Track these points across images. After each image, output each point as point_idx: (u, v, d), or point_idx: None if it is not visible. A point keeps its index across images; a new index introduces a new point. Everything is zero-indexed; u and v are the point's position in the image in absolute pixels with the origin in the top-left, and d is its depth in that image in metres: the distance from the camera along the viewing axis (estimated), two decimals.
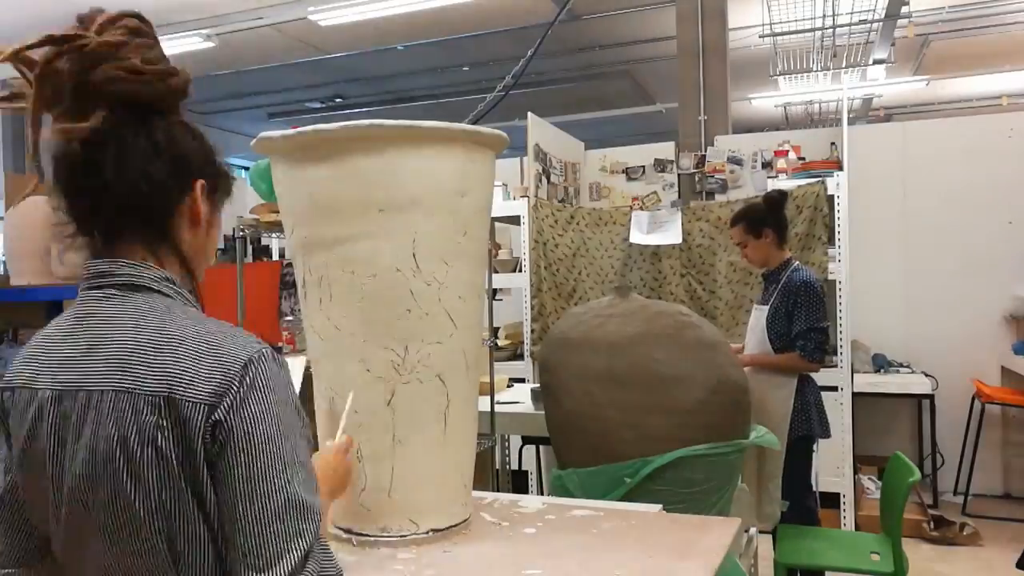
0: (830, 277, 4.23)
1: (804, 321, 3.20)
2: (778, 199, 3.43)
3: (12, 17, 6.57)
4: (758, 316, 3.38)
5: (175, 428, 0.91)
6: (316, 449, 1.43)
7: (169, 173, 1.02)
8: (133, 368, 0.93)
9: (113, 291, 1.00)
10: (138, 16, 1.02)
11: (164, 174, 1.01)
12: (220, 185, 1.10)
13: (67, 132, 0.96)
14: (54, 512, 0.99)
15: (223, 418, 0.91)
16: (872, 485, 4.55)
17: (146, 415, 0.91)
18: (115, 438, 0.92)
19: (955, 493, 4.88)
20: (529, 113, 4.76)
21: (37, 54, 0.95)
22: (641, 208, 5.15)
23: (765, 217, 3.36)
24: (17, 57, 0.95)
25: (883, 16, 6.05)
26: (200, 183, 1.05)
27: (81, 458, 0.94)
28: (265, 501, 0.91)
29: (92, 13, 0.99)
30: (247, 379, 0.93)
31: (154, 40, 1.03)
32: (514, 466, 4.05)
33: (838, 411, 4.25)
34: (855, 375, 4.41)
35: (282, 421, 0.95)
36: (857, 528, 4.18)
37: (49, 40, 0.94)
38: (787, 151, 4.99)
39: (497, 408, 2.99)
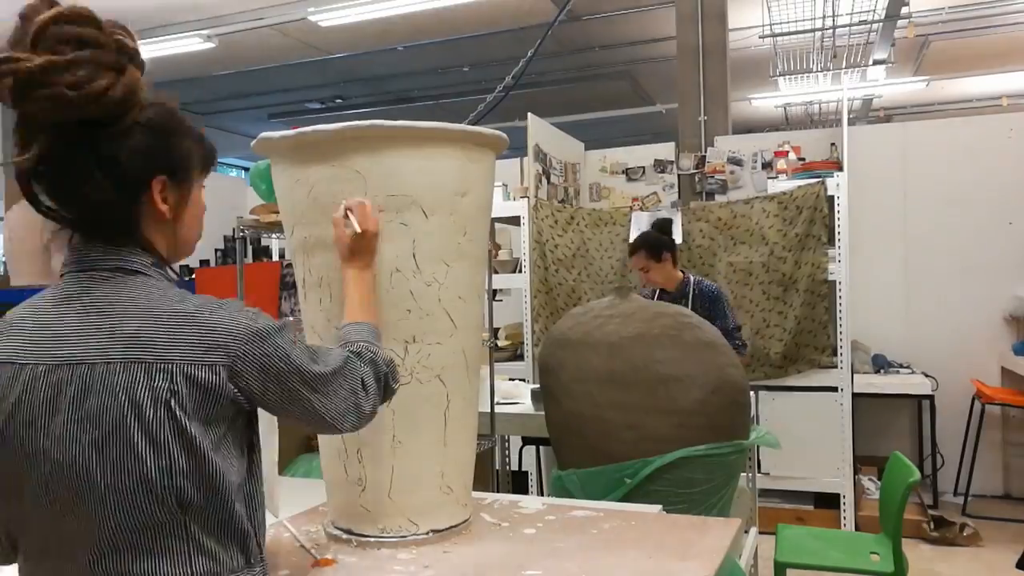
0: (830, 277, 4.24)
1: (726, 323, 3.50)
2: (667, 223, 3.89)
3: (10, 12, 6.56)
4: None
5: (193, 391, 0.99)
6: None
7: (114, 186, 1.01)
8: (143, 340, 0.99)
9: (107, 273, 1.03)
10: (80, 17, 0.97)
11: (108, 190, 1.01)
12: (185, 170, 1.10)
13: (14, 164, 0.99)
14: (35, 489, 0.98)
15: (241, 370, 1.03)
16: (872, 485, 4.55)
17: (159, 382, 0.97)
18: (126, 404, 0.97)
19: (955, 493, 4.87)
20: (529, 113, 4.75)
21: None
22: (641, 209, 5.16)
23: (661, 241, 3.69)
24: None
25: (883, 16, 6.04)
26: (159, 181, 1.05)
27: (83, 426, 0.96)
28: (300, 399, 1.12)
29: (31, 10, 0.96)
30: (243, 338, 1.04)
31: (98, 39, 0.98)
32: (514, 466, 4.05)
33: (838, 411, 4.26)
34: (855, 375, 4.41)
35: (278, 351, 1.08)
36: (857, 528, 4.18)
37: None
38: (787, 152, 4.99)
39: (497, 408, 2.99)
